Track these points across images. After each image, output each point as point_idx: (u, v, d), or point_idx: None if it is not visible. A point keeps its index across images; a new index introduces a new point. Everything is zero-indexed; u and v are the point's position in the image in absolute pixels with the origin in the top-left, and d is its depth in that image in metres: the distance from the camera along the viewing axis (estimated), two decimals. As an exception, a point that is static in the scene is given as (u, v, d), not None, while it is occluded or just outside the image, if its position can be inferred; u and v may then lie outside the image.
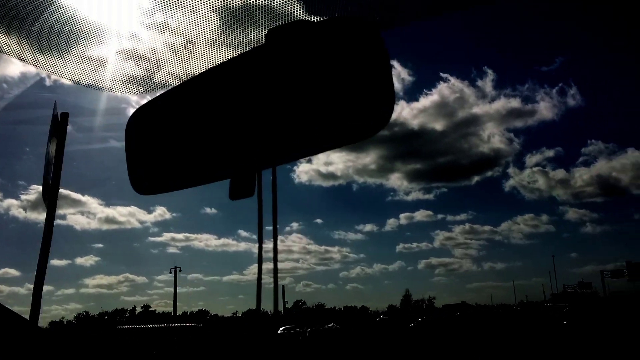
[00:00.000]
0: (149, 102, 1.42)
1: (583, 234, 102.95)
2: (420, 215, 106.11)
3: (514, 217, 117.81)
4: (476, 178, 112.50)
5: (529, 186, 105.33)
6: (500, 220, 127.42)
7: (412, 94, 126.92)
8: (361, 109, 1.03)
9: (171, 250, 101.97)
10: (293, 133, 1.12)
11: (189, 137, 1.31)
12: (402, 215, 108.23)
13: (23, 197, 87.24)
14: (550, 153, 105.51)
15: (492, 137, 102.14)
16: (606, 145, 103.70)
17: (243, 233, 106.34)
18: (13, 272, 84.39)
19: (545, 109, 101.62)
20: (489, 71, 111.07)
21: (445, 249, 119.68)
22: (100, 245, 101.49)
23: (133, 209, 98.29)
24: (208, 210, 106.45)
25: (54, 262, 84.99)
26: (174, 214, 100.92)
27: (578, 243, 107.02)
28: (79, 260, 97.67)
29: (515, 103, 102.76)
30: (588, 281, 78.14)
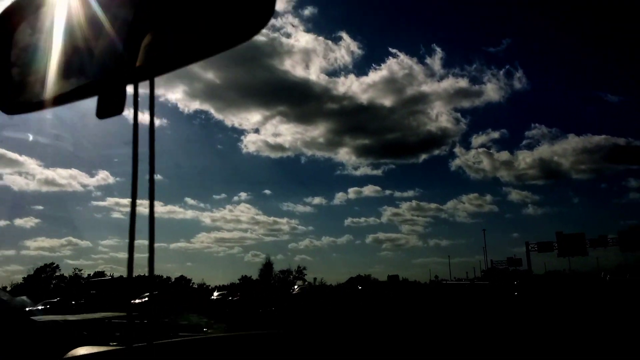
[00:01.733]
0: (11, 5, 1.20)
1: (525, 215, 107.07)
2: (369, 190, 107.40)
3: (459, 196, 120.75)
4: (423, 156, 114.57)
5: (474, 166, 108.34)
6: (446, 199, 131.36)
7: (361, 68, 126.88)
8: (238, 4, 0.88)
9: (116, 215, 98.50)
10: (166, 36, 0.95)
11: (52, 45, 1.11)
12: (350, 190, 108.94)
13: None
14: (495, 135, 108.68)
15: (440, 116, 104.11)
16: (549, 129, 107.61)
17: (190, 201, 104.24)
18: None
19: (491, 90, 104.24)
20: (438, 49, 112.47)
21: (392, 225, 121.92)
22: (41, 207, 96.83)
23: (74, 171, 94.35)
24: (154, 176, 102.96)
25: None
26: (117, 179, 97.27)
27: (519, 224, 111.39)
28: (18, 222, 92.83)
29: (463, 83, 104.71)
30: (519, 258, 74.31)
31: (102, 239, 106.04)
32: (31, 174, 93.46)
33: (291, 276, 79.72)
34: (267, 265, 77.70)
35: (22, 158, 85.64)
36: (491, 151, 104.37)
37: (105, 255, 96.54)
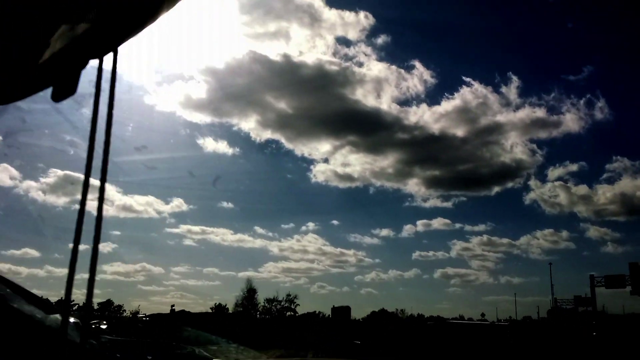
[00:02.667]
0: None
1: (604, 253, 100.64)
2: (438, 223, 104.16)
3: (534, 231, 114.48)
4: (496, 189, 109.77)
5: (550, 200, 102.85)
6: (519, 234, 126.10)
7: (433, 97, 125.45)
8: None
9: (187, 242, 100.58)
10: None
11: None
12: (419, 222, 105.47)
13: (42, 180, 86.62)
14: (573, 167, 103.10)
15: (515, 147, 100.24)
16: (632, 162, 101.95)
17: (259, 230, 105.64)
18: (33, 252, 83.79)
19: (570, 120, 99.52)
20: (514, 77, 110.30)
21: (462, 260, 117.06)
22: (118, 233, 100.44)
23: (150, 198, 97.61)
24: (225, 204, 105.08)
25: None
26: (191, 206, 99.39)
27: (598, 262, 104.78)
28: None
29: (539, 113, 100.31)
30: (589, 297, 60.79)
31: (173, 266, 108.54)
32: (110, 200, 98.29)
33: (279, 306, 66.48)
34: (250, 292, 63.05)
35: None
36: (568, 185, 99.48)
37: (175, 282, 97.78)
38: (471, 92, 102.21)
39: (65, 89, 0.91)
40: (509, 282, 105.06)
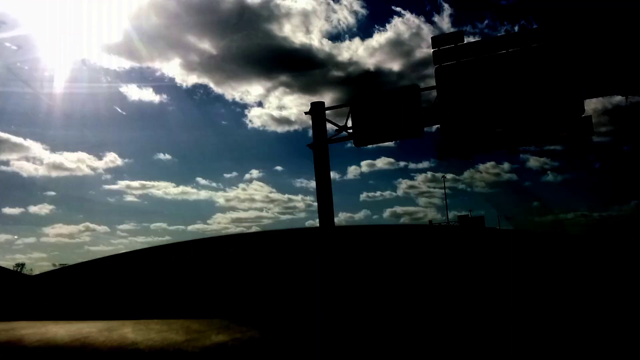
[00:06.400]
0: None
1: (544, 182, 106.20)
2: (382, 162, 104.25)
3: (476, 165, 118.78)
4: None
5: None
6: (463, 168, 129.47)
7: (365, 30, 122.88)
8: None
9: (129, 198, 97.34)
10: None
11: None
12: (363, 163, 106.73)
13: None
14: None
15: None
16: None
17: (202, 181, 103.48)
18: None
19: None
20: (445, 5, 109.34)
21: (409, 198, 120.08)
22: (53, 193, 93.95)
23: (82, 154, 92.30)
24: (162, 156, 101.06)
25: (7, 210, 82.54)
26: (126, 160, 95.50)
27: (539, 192, 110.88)
28: (33, 209, 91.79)
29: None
30: None
31: (118, 224, 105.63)
32: (38, 159, 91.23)
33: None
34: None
35: (27, 142, 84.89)
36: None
37: (125, 240, 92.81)
38: (403, 23, 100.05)
39: None
40: (456, 217, 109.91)
